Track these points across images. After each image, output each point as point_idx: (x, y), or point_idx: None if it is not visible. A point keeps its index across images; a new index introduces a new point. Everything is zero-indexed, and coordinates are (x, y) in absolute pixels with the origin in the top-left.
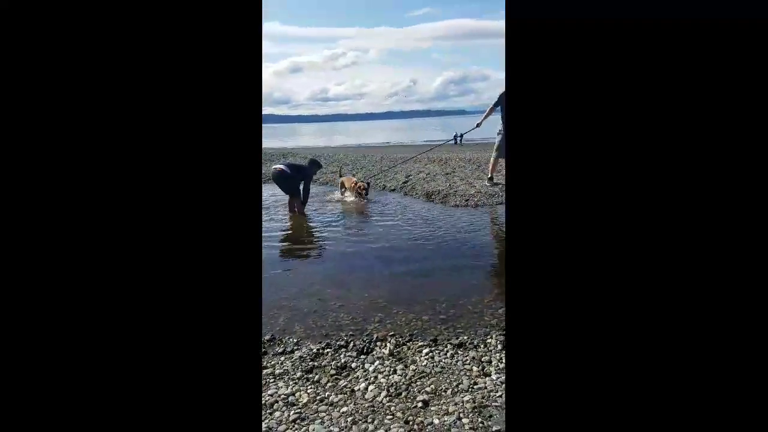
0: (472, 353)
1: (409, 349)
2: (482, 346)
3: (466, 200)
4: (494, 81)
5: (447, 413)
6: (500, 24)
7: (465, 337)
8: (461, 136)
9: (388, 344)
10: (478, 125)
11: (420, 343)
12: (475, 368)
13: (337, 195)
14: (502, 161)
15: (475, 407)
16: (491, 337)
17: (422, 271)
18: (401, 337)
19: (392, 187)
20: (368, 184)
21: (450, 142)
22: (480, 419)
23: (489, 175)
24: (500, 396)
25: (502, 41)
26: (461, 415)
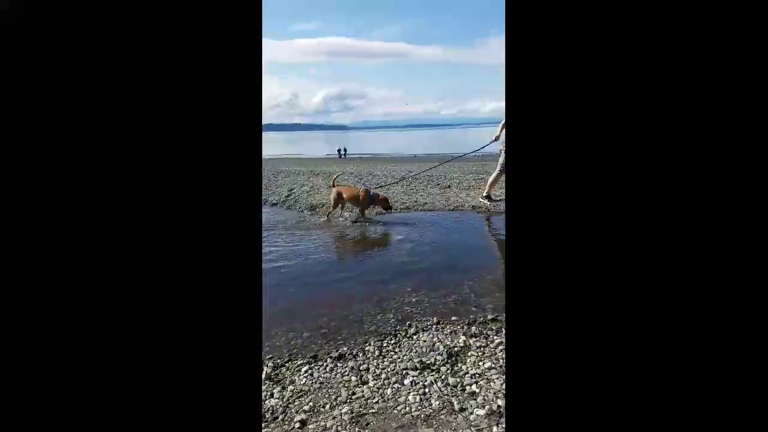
0: (351, 363)
1: (287, 369)
2: (361, 354)
3: (350, 212)
4: (373, 99)
5: (325, 428)
6: (376, 44)
7: (345, 348)
8: (345, 150)
9: (264, 368)
10: (496, 138)
11: (299, 362)
12: (353, 378)
13: (332, 215)
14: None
15: (353, 417)
16: (369, 344)
17: (303, 286)
18: (279, 358)
19: (273, 201)
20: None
21: (473, 153)
22: (357, 428)
23: (486, 192)
24: (377, 402)
25: (379, 61)
26: (339, 428)
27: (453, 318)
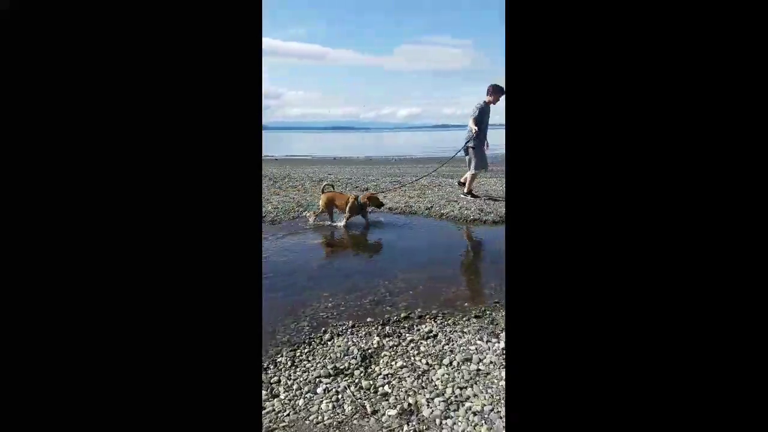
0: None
1: None
2: (272, 367)
3: (263, 216)
4: (288, 100)
5: None
6: (290, 45)
7: None
8: None
9: None
10: (475, 133)
11: None
12: (263, 392)
13: (312, 220)
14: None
15: None
16: (281, 356)
17: None
18: None
19: None
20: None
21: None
22: None
23: (467, 189)
24: (288, 415)
25: (294, 62)
26: None
27: (368, 319)
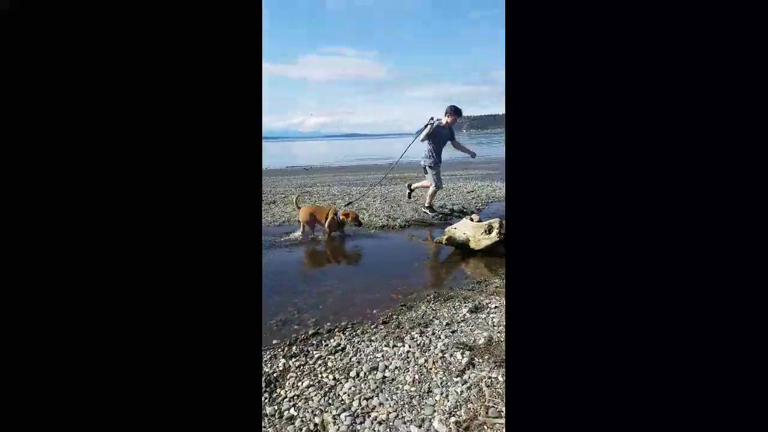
0: None
1: None
2: None
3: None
4: None
5: None
6: None
7: None
8: None
9: None
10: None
11: None
12: None
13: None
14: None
15: None
16: None
17: None
18: None
19: None
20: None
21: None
22: None
23: (428, 203)
24: None
25: None
26: None
27: (274, 342)
